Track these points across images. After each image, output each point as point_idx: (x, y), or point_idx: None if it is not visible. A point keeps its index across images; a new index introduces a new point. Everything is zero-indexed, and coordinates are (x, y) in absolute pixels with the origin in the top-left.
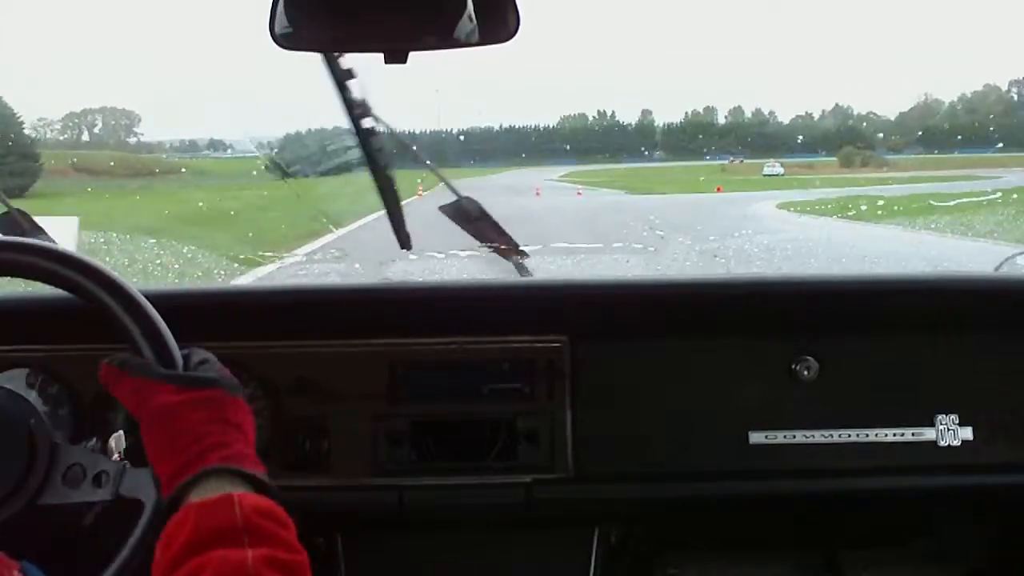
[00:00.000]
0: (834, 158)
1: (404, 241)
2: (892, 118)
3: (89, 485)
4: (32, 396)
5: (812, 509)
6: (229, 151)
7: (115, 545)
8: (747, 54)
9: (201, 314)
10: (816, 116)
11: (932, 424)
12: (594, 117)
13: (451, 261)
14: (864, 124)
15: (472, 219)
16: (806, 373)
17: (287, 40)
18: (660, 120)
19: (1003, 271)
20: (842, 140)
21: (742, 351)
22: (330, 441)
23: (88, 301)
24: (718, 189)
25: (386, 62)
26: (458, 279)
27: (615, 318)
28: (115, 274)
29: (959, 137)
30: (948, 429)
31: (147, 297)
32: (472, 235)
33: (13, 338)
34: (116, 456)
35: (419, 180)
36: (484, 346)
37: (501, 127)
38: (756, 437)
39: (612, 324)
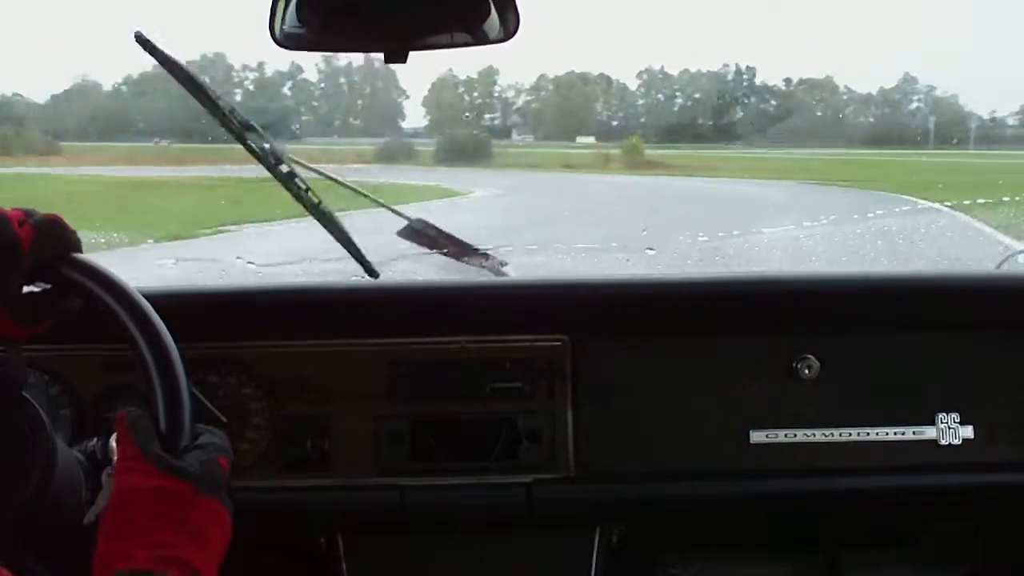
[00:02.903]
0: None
1: (372, 271)
2: (43, 101)
3: (97, 453)
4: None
5: (812, 508)
6: None
7: None
8: None
9: (201, 314)
10: None
11: (933, 423)
12: None
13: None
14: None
15: (429, 236)
16: (807, 372)
17: (287, 40)
18: None
19: (1004, 269)
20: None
21: (743, 350)
22: (330, 441)
23: (89, 302)
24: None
25: (386, 62)
26: (458, 278)
27: (616, 317)
28: (116, 275)
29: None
30: (949, 428)
31: (147, 297)
32: (438, 251)
33: None
34: (116, 457)
35: None
36: (485, 345)
37: None
38: (757, 436)
39: (613, 323)
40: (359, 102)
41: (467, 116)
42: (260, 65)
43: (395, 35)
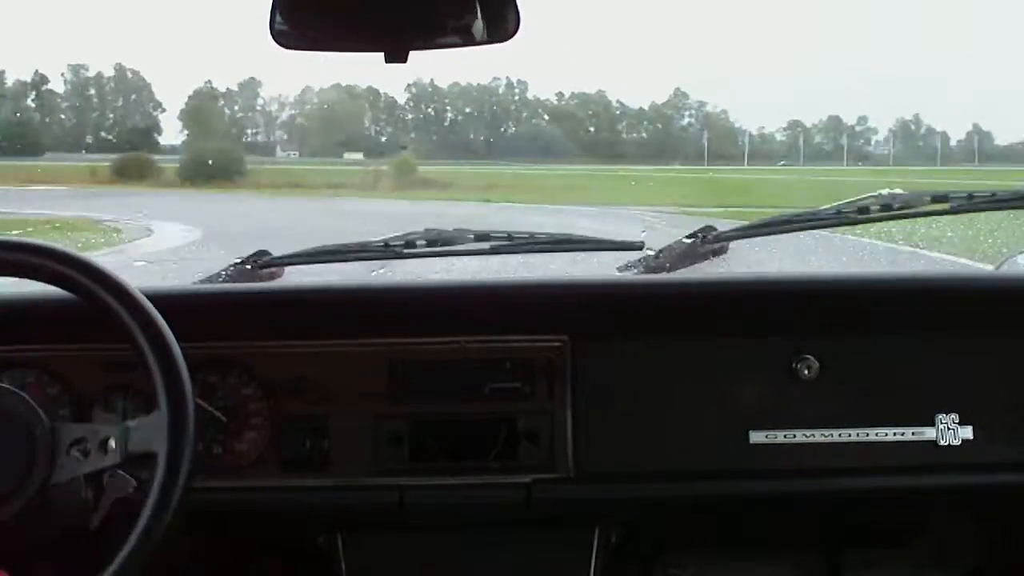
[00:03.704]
0: None
1: None
2: None
3: (97, 453)
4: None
5: (812, 509)
6: None
7: (121, 545)
8: None
9: (201, 314)
10: None
11: (932, 423)
12: None
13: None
14: None
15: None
16: (806, 372)
17: (287, 40)
18: None
19: (1003, 270)
20: None
21: (742, 350)
22: (330, 441)
23: (91, 302)
24: None
25: (386, 61)
26: (458, 278)
27: (615, 318)
28: (118, 276)
29: None
30: (948, 428)
31: (148, 297)
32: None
33: (13, 338)
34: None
35: None
36: (484, 345)
37: None
38: (756, 437)
39: (613, 323)
40: (110, 115)
41: (232, 131)
42: None
43: (393, 35)
